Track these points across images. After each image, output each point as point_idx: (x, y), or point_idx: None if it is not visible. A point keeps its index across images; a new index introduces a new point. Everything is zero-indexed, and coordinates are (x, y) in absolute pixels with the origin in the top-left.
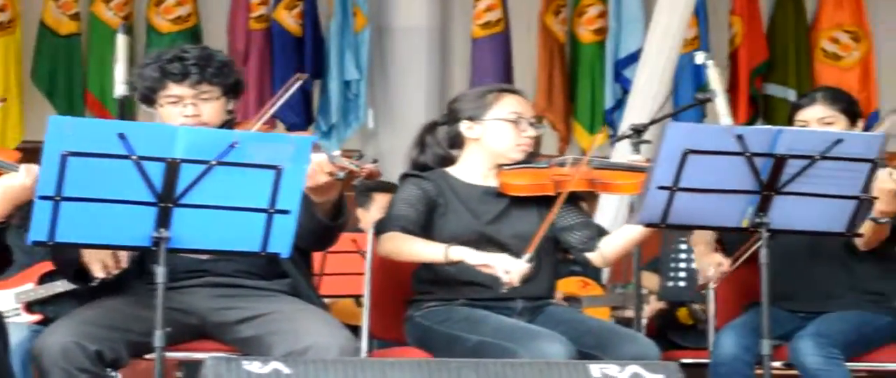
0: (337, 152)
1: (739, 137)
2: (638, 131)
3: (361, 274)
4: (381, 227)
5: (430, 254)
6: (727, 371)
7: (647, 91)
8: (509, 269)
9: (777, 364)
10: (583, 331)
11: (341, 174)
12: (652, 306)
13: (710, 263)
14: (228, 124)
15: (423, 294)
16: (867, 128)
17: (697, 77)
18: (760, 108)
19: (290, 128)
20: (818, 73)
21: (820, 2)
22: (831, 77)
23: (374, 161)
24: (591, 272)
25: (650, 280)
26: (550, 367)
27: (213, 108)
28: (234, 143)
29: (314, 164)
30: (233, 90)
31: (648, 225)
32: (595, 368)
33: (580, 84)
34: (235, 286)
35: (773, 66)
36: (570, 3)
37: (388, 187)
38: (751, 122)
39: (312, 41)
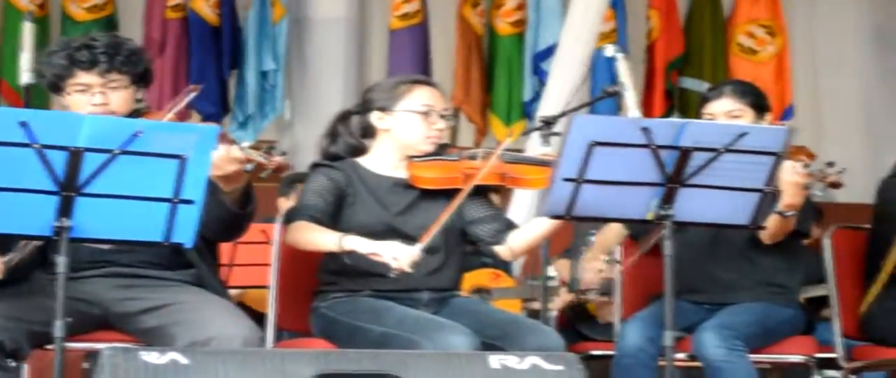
0: (246, 143)
1: (645, 130)
2: (548, 123)
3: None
4: (290, 217)
5: (326, 243)
6: (631, 363)
7: (563, 84)
8: (397, 255)
9: (681, 356)
10: (487, 322)
11: (249, 166)
12: (562, 298)
13: (591, 269)
14: (137, 113)
15: (329, 285)
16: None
17: (614, 70)
18: (676, 102)
19: (207, 118)
20: (733, 67)
21: None
22: (746, 71)
23: (283, 153)
24: (503, 264)
25: (566, 269)
26: (450, 357)
27: (121, 96)
28: (138, 132)
29: (222, 154)
30: (142, 79)
31: (553, 217)
32: (494, 360)
33: (498, 76)
34: (138, 276)
35: (689, 59)
36: None
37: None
38: (666, 116)
39: (230, 31)
